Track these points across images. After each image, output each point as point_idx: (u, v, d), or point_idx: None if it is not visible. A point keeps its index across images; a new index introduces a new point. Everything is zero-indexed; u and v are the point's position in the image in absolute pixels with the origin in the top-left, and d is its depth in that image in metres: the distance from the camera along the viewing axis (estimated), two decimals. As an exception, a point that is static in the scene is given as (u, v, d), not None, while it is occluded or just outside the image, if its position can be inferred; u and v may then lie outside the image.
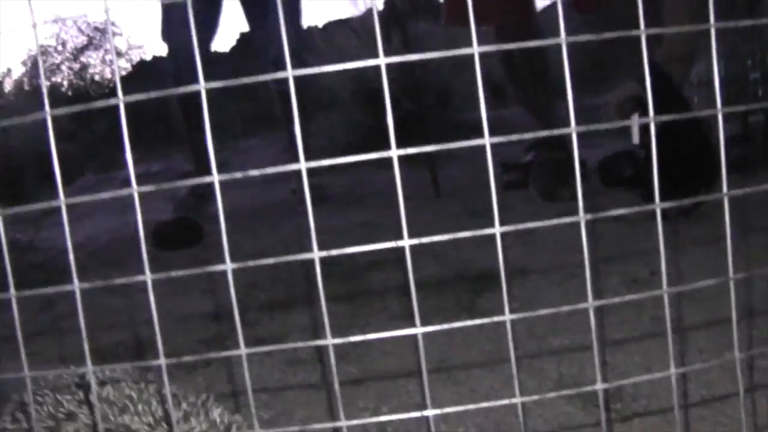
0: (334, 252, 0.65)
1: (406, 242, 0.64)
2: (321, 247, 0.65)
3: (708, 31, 0.67)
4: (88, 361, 0.69)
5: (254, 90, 7.30)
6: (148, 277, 0.66)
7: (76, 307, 0.68)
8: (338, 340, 0.66)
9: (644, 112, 2.46)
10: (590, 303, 0.66)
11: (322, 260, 0.65)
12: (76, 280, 0.69)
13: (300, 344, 0.67)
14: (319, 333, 1.96)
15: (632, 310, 1.80)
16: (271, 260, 0.66)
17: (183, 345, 1.98)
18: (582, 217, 0.65)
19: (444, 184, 3.88)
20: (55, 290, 0.69)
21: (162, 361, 0.68)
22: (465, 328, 1.89)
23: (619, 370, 1.48)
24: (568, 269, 2.18)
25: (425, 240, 0.66)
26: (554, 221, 0.66)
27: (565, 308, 0.66)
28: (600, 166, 2.51)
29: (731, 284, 0.69)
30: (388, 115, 0.67)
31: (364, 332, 1.94)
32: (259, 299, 2.26)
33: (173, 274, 0.67)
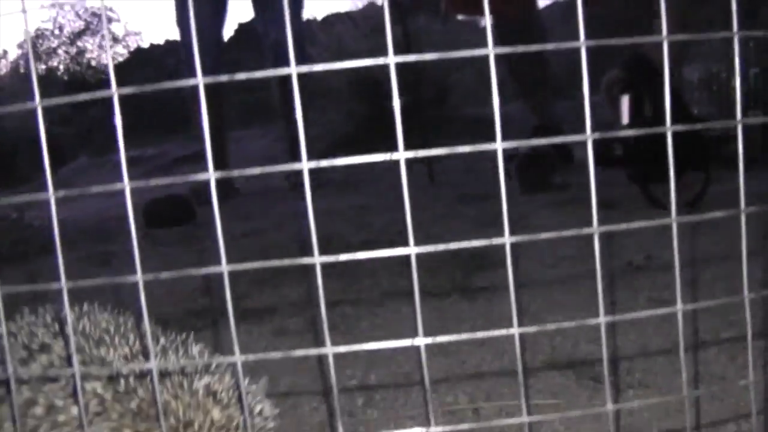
0: (323, 162, 0.62)
1: (401, 155, 0.61)
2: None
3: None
4: (62, 275, 0.65)
5: (252, 80, 7.23)
6: (126, 185, 0.63)
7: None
8: (325, 258, 0.63)
9: (632, 95, 2.45)
10: (595, 228, 0.63)
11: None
12: (51, 189, 0.65)
13: (287, 261, 0.63)
14: (310, 306, 1.93)
15: (628, 292, 1.77)
16: (256, 170, 0.62)
17: (171, 316, 1.94)
18: (590, 137, 0.62)
19: (439, 177, 3.86)
20: (31, 198, 0.66)
21: (139, 277, 0.65)
22: (458, 307, 1.86)
23: (614, 344, 1.45)
24: (561, 255, 2.16)
25: (420, 153, 0.62)
26: (558, 139, 0.63)
27: (567, 233, 0.63)
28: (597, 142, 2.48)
29: (742, 218, 0.66)
30: (387, 32, 0.64)
31: (355, 306, 1.91)
32: (249, 273, 2.23)
33: (153, 182, 0.64)
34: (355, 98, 5.47)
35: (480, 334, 0.65)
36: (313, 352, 0.64)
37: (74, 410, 0.91)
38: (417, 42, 4.67)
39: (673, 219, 0.63)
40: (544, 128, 3.56)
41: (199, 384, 0.90)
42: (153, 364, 0.66)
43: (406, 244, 0.64)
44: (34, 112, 0.68)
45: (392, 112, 0.64)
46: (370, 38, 5.26)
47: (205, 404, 0.89)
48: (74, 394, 0.85)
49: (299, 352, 0.66)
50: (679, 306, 0.65)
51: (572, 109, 4.66)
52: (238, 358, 0.65)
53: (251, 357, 0.65)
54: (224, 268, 0.63)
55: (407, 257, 0.63)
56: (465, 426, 0.65)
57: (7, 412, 0.95)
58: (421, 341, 0.65)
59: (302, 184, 0.62)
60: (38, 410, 0.92)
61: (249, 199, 4.08)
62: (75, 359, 0.68)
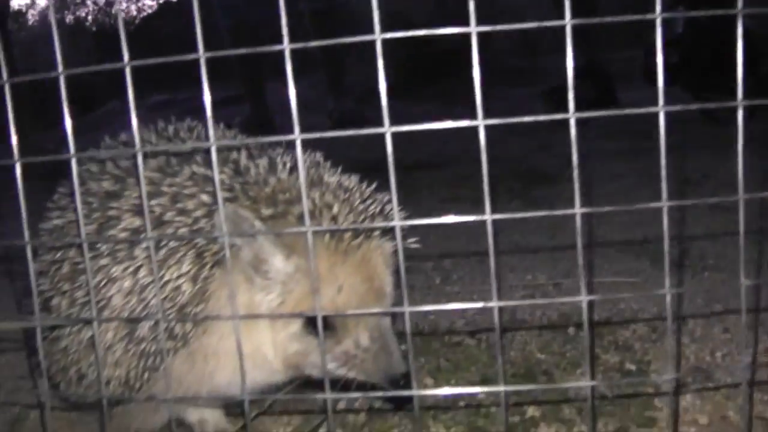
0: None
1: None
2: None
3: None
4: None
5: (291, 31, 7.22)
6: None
7: None
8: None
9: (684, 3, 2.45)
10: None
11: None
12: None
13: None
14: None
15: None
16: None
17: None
18: None
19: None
20: None
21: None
22: (520, 211, 1.88)
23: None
24: (615, 171, 2.19)
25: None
26: None
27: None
28: (646, 55, 2.50)
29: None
30: None
31: (416, 211, 1.94)
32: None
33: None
34: (394, 46, 5.44)
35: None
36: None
37: (203, 197, 0.94)
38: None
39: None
40: (590, 70, 3.53)
41: (332, 179, 0.93)
42: (296, 134, 0.69)
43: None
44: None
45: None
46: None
47: (339, 193, 0.93)
48: (211, 174, 0.88)
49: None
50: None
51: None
52: (388, 129, 0.68)
53: (403, 128, 0.68)
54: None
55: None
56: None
57: (126, 203, 0.98)
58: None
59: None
60: (163, 199, 0.95)
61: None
62: (212, 134, 0.71)
